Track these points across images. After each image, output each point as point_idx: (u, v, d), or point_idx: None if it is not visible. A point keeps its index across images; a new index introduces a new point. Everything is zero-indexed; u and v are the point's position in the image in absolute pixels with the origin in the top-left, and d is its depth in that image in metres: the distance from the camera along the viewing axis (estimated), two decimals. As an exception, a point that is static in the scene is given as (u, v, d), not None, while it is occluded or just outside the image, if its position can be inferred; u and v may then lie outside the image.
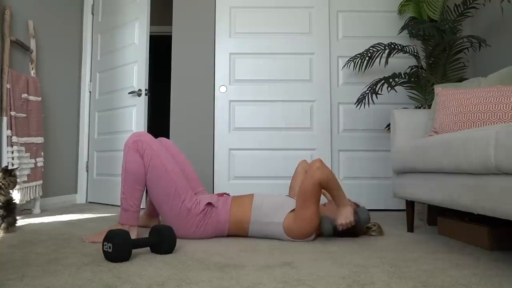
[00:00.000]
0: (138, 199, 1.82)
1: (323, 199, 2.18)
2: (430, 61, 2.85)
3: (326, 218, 1.82)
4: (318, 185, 1.74)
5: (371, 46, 2.93)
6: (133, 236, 1.79)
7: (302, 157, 3.10)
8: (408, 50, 2.92)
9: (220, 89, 3.27)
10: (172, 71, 3.29)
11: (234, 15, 3.32)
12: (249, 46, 3.30)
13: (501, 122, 1.75)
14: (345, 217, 1.80)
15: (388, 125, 3.01)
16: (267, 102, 3.26)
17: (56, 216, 2.63)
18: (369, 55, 2.95)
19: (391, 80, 2.78)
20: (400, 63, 3.15)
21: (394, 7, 3.29)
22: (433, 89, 2.74)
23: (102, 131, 3.53)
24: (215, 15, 3.32)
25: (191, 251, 1.60)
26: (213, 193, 3.16)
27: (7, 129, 2.47)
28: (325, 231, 1.80)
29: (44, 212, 2.82)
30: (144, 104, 3.19)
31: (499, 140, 1.25)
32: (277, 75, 3.28)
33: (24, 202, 2.55)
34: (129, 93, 3.24)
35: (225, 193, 2.02)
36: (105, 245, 1.40)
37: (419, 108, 2.95)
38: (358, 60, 2.98)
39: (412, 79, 2.85)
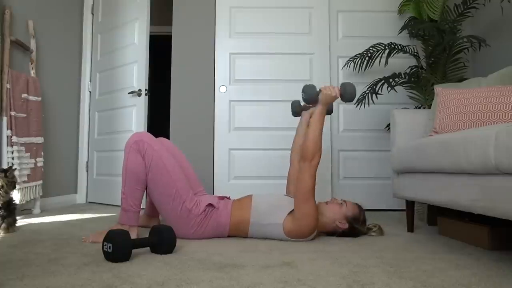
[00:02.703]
0: (138, 199, 1.82)
1: (324, 198, 2.18)
2: (430, 61, 2.85)
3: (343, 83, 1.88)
4: (315, 172, 1.76)
5: (371, 46, 2.93)
6: (133, 236, 1.79)
7: (302, 157, 3.09)
8: (408, 50, 2.92)
9: (220, 89, 3.27)
10: (172, 71, 3.29)
11: (234, 15, 3.32)
12: (249, 46, 3.30)
13: (501, 122, 1.75)
14: (329, 95, 1.84)
15: (388, 125, 3.01)
16: (267, 102, 3.26)
17: (56, 216, 2.63)
18: (369, 55, 2.95)
19: (391, 80, 2.78)
20: (400, 63, 3.15)
21: (394, 7, 3.29)
22: (433, 89, 2.73)
23: (102, 131, 3.53)
24: (215, 15, 3.31)
25: (191, 251, 1.60)
26: (213, 193, 3.16)
27: (7, 129, 2.47)
28: (352, 88, 1.84)
29: (44, 212, 2.82)
30: (144, 104, 3.19)
31: (499, 140, 1.25)
32: (277, 75, 3.28)
33: (24, 202, 2.55)
34: (129, 93, 3.24)
35: (226, 197, 2.01)
36: (105, 245, 1.40)
37: (419, 108, 2.95)
38: (358, 60, 2.98)
39: (412, 79, 2.85)
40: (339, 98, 1.88)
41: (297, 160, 2.09)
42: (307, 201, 1.74)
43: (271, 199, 1.89)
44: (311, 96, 1.88)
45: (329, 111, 2.09)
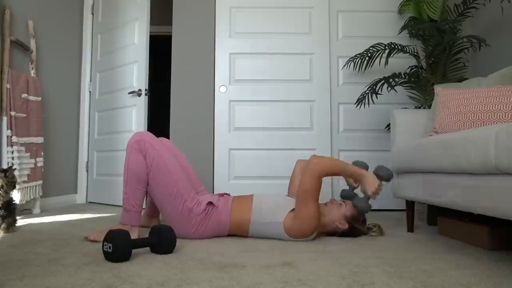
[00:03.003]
0: (140, 199, 1.83)
1: (325, 198, 2.19)
2: (430, 61, 2.85)
3: (359, 198, 1.89)
4: (318, 180, 1.75)
5: (371, 46, 2.93)
6: (134, 236, 1.79)
7: (302, 157, 3.09)
8: (408, 50, 2.92)
9: (220, 89, 3.27)
10: (172, 71, 3.30)
11: (234, 15, 3.32)
12: (249, 46, 3.30)
13: (501, 122, 1.75)
14: (371, 186, 1.86)
15: (388, 125, 3.01)
16: (267, 102, 3.26)
17: (56, 216, 2.63)
18: (369, 55, 2.95)
19: (391, 80, 2.78)
20: (400, 63, 3.15)
21: (394, 7, 3.29)
22: (433, 89, 2.74)
23: (102, 131, 3.53)
24: (215, 15, 3.32)
25: (191, 251, 1.60)
26: (213, 193, 3.16)
27: (7, 129, 2.47)
28: (365, 208, 1.86)
29: (44, 212, 2.82)
30: (144, 104, 3.19)
31: (499, 140, 1.25)
32: (277, 75, 3.28)
33: (24, 202, 2.55)
34: (129, 93, 3.24)
35: (226, 193, 2.02)
36: (105, 245, 1.40)
37: (419, 108, 2.95)
38: (358, 60, 2.98)
39: (412, 79, 2.85)
40: (363, 196, 1.90)
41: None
42: (306, 201, 1.74)
43: (272, 199, 1.89)
44: (382, 173, 1.89)
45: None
